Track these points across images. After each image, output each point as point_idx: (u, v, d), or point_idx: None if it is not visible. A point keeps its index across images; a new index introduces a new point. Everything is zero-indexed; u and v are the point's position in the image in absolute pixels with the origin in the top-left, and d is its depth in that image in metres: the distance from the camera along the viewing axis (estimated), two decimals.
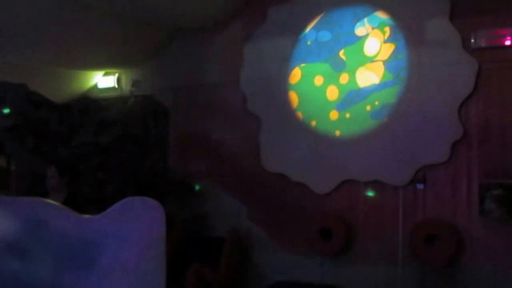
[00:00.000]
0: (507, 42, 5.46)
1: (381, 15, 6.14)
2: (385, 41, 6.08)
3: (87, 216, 2.24)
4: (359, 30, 6.27)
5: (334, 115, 6.34)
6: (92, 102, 7.11)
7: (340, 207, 6.24)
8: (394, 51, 6.03)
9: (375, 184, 6.05)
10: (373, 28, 6.17)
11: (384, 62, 6.06)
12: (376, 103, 6.09)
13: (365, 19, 6.24)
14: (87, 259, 2.14)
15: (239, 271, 6.59)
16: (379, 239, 6.00)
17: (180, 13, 6.83)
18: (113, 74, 8.18)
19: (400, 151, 5.92)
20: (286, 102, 6.66)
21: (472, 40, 5.58)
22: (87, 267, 2.14)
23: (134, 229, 2.20)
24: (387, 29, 6.09)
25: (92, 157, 6.53)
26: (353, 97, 6.25)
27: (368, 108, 6.13)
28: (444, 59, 5.70)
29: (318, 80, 6.49)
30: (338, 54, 6.37)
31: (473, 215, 5.53)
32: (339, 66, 6.36)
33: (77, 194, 4.99)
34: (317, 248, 6.23)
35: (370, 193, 6.08)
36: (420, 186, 5.79)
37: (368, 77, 6.17)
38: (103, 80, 8.26)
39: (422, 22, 5.82)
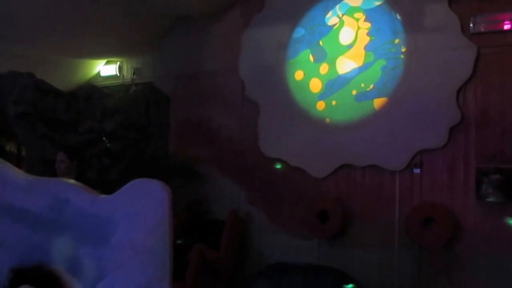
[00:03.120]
0: (506, 27, 4.98)
1: (350, 2, 5.82)
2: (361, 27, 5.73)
3: (102, 195, 2.20)
4: (332, 20, 5.97)
5: (321, 105, 5.96)
6: (96, 90, 6.96)
7: (337, 191, 5.80)
8: (369, 33, 5.70)
9: (372, 168, 5.61)
10: (343, 15, 5.86)
11: (364, 47, 5.71)
12: (362, 85, 5.68)
13: (337, 7, 5.91)
14: (102, 236, 2.12)
15: (239, 252, 6.23)
16: (375, 223, 5.57)
17: (181, 1, 6.46)
18: (115, 62, 7.80)
19: (397, 136, 5.45)
20: (283, 89, 6.21)
21: (471, 25, 5.10)
22: (101, 242, 2.12)
23: (143, 209, 2.15)
24: (359, 15, 5.74)
25: (97, 143, 6.30)
26: (334, 84, 5.87)
27: (354, 92, 5.74)
28: (442, 43, 5.22)
29: (299, 75, 6.13)
30: (318, 44, 6.01)
31: (469, 199, 5.08)
32: (320, 56, 5.99)
33: (83, 179, 4.84)
34: (314, 230, 5.83)
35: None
36: (417, 171, 5.36)
37: (348, 64, 5.82)
38: (105, 68, 7.89)
39: (421, 7, 5.36)
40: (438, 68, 5.27)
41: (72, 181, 2.33)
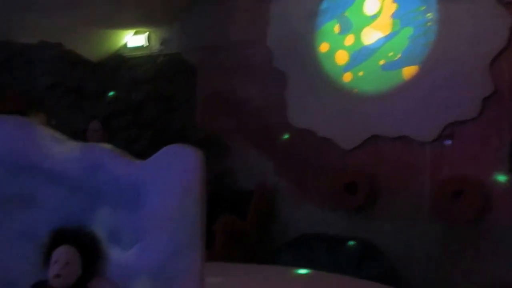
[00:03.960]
0: None
1: None
2: None
3: (137, 161, 2.21)
4: None
5: (347, 77, 5.90)
6: (123, 60, 7.01)
7: (366, 162, 5.77)
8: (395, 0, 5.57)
9: (401, 139, 5.54)
10: None
11: (390, 15, 5.60)
12: (390, 54, 5.60)
13: None
14: (136, 200, 2.15)
15: (266, 224, 6.28)
16: (404, 195, 5.54)
17: None
18: (143, 33, 7.72)
19: (428, 106, 5.38)
20: (312, 59, 6.14)
21: None
22: (135, 207, 2.15)
23: (175, 174, 2.16)
24: None
25: (125, 114, 6.39)
26: (359, 55, 5.81)
27: (381, 62, 5.67)
28: (476, 12, 5.09)
29: (324, 47, 6.06)
30: (343, 15, 5.92)
31: (501, 172, 5.00)
32: (346, 28, 5.90)
33: None
34: (342, 202, 5.82)
35: None
36: (447, 142, 5.28)
37: (374, 34, 5.72)
38: (133, 39, 7.81)
39: None
40: (471, 37, 5.15)
41: (107, 146, 2.35)
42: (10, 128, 2.36)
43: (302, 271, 4.25)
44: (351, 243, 5.62)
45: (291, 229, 6.15)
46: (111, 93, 6.42)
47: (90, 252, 2.12)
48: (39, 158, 2.27)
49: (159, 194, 2.15)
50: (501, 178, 5.01)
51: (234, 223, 5.70)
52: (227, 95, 6.85)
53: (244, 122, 6.69)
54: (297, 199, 6.23)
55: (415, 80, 5.49)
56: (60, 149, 2.29)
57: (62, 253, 2.06)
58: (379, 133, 5.69)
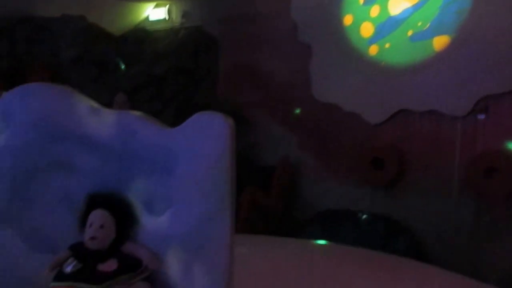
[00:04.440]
0: None
1: None
2: None
3: (168, 127, 2.25)
4: None
5: (373, 49, 5.73)
6: (146, 33, 6.96)
7: (393, 137, 5.63)
8: None
9: (431, 114, 5.38)
10: None
11: None
12: (419, 24, 5.40)
13: None
14: (167, 167, 2.17)
15: (290, 199, 6.22)
16: (433, 171, 5.39)
17: None
18: (164, 5, 7.66)
19: (460, 79, 5.18)
20: (337, 31, 5.98)
21: None
22: (167, 174, 2.17)
23: (205, 141, 2.14)
24: None
25: (148, 87, 6.40)
26: (385, 26, 5.63)
27: (410, 33, 5.48)
28: None
29: (348, 20, 5.89)
30: None
31: None
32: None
33: None
34: (368, 177, 5.71)
35: None
36: (481, 117, 5.08)
37: (401, 3, 5.51)
38: (154, 12, 7.77)
39: None
40: (508, 7, 4.88)
41: (138, 113, 2.35)
42: (48, 95, 2.39)
43: (328, 243, 4.16)
44: (377, 219, 5.50)
45: (315, 204, 6.08)
46: (123, 66, 6.36)
47: (123, 217, 2.20)
48: (75, 125, 2.32)
49: (190, 161, 2.16)
50: None
51: (258, 196, 5.66)
52: (250, 68, 6.74)
53: (267, 96, 6.59)
54: (321, 174, 6.14)
55: (447, 51, 5.28)
56: (95, 117, 2.33)
57: (97, 216, 2.16)
58: (408, 107, 5.53)
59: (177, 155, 2.18)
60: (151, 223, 2.23)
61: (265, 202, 5.78)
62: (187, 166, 2.16)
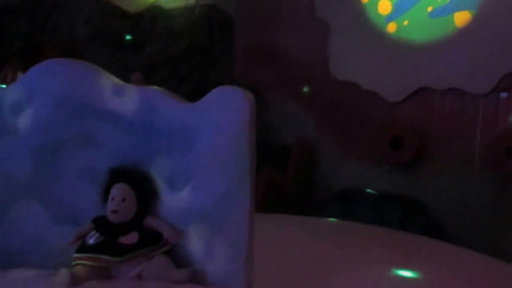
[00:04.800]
0: None
1: None
2: None
3: (188, 103, 2.30)
4: None
5: (392, 27, 5.64)
6: (161, 11, 6.89)
7: (413, 116, 5.56)
8: None
9: (452, 92, 5.30)
10: None
11: None
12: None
13: None
14: (188, 142, 2.20)
15: (307, 178, 6.20)
16: (453, 150, 5.34)
17: None
18: None
19: (482, 56, 5.10)
20: (356, 7, 5.87)
21: None
22: (187, 149, 2.20)
23: (225, 117, 2.18)
24: None
25: (163, 66, 6.35)
26: (403, 3, 5.53)
27: (429, 9, 5.37)
28: None
29: None
30: None
31: None
32: None
33: None
34: (386, 157, 5.66)
35: None
36: (503, 95, 5.00)
37: None
38: None
39: None
40: None
41: (159, 88, 2.41)
42: (72, 71, 2.45)
43: (346, 222, 4.14)
44: (395, 199, 5.46)
45: (332, 184, 6.05)
46: (128, 37, 6.34)
47: (144, 191, 2.24)
48: (98, 100, 2.37)
49: (210, 136, 2.19)
50: None
51: (275, 176, 5.65)
52: (266, 46, 6.65)
53: (284, 74, 6.50)
54: (339, 154, 6.09)
55: (468, 27, 5.19)
56: (118, 92, 2.38)
57: (118, 190, 2.21)
58: (428, 85, 5.45)
59: (197, 130, 2.20)
60: (172, 198, 2.25)
61: (282, 182, 5.78)
62: (207, 142, 2.18)
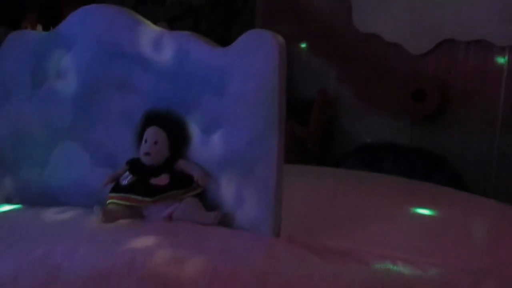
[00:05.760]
0: None
1: None
2: None
3: (219, 47, 2.31)
4: None
5: None
6: None
7: (436, 68, 5.49)
8: None
9: (478, 44, 5.21)
10: None
11: None
12: None
13: None
14: (218, 87, 2.23)
15: (328, 132, 6.21)
16: (477, 104, 5.29)
17: None
18: None
19: (510, 5, 4.95)
20: None
21: None
22: (218, 94, 2.23)
23: (255, 61, 2.16)
24: None
25: (186, 18, 6.38)
26: None
27: None
28: None
29: None
30: None
31: None
32: None
33: None
34: (408, 110, 5.62)
35: None
36: None
37: None
38: None
39: None
40: None
41: (190, 33, 2.44)
42: (108, 15, 2.50)
43: (370, 173, 4.16)
44: (417, 153, 5.46)
45: (354, 138, 6.07)
46: None
47: (177, 134, 2.33)
48: (134, 45, 2.43)
49: (240, 81, 2.20)
50: None
51: (296, 130, 5.65)
52: None
53: (306, 26, 6.41)
54: (361, 107, 6.06)
55: None
56: (151, 36, 2.42)
57: (151, 133, 2.29)
58: (453, 37, 5.34)
59: (228, 75, 2.21)
60: (203, 143, 2.30)
61: (304, 136, 5.79)
62: (237, 86, 2.20)
